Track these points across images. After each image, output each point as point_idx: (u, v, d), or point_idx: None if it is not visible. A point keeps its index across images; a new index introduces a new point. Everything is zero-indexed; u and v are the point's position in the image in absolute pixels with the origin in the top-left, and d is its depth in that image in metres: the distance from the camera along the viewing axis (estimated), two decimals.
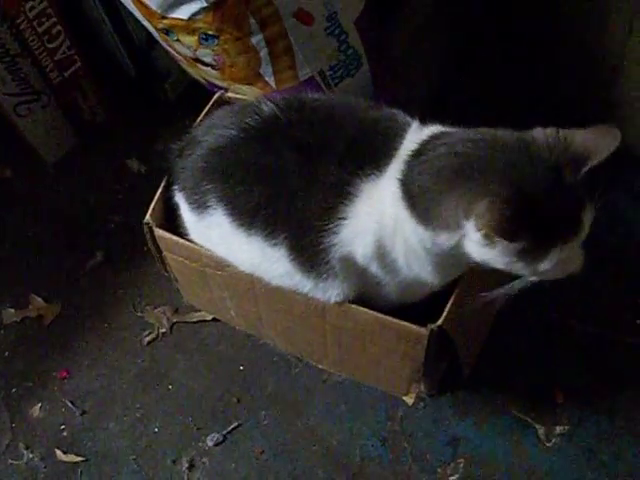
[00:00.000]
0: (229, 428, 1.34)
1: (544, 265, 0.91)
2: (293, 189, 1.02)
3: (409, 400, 1.21)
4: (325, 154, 1.01)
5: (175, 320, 1.46)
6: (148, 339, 1.45)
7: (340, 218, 1.00)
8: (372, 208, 0.99)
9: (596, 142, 0.88)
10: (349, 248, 1.02)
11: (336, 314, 1.10)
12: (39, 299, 1.52)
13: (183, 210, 1.16)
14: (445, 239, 0.93)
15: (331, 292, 1.08)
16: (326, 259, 1.03)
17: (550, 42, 1.44)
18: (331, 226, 1.00)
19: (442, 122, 1.01)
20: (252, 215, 1.05)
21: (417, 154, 0.96)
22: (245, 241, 1.08)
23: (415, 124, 1.02)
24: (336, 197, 0.99)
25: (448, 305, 1.04)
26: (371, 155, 1.00)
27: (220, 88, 1.29)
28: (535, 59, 1.47)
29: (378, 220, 0.99)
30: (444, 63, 1.56)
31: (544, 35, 1.43)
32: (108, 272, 1.54)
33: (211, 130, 1.10)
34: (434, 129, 1.00)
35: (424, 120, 1.02)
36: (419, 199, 0.93)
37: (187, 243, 1.15)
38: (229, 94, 1.26)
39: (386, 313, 1.07)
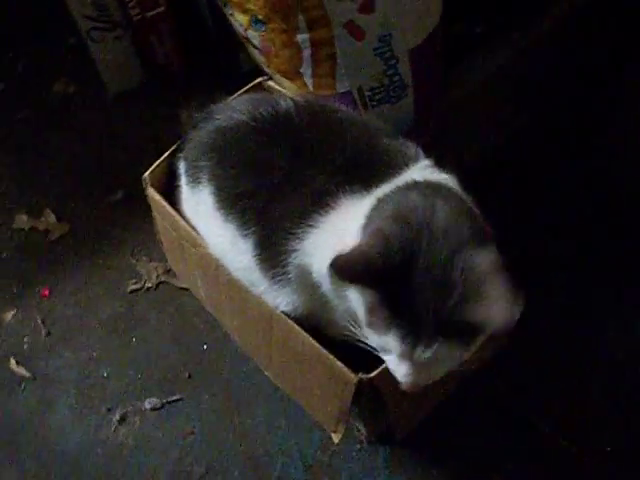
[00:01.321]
0: (170, 399, 1.34)
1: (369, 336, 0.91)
2: (277, 187, 1.01)
3: (335, 438, 1.17)
4: (320, 162, 1.00)
5: (163, 279, 1.47)
6: (132, 287, 1.47)
7: (310, 225, 0.98)
8: (341, 223, 0.97)
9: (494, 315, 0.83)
10: (308, 259, 1.00)
11: (281, 329, 1.08)
12: (52, 215, 1.56)
13: (181, 180, 1.17)
14: None
15: (281, 299, 1.07)
16: (284, 263, 1.02)
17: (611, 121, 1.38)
18: (299, 231, 0.99)
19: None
20: (233, 202, 1.05)
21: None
22: (221, 225, 1.08)
23: (423, 163, 1.00)
24: (313, 204, 0.98)
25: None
26: (365, 176, 0.98)
27: (266, 74, 1.28)
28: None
29: (341, 236, 0.96)
30: (494, 127, 1.50)
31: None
32: (122, 212, 1.57)
33: (226, 110, 1.11)
34: (428, 177, 0.97)
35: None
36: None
37: (171, 211, 1.15)
38: (270, 82, 1.25)
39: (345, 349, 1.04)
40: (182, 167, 1.16)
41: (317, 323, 1.09)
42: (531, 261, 1.29)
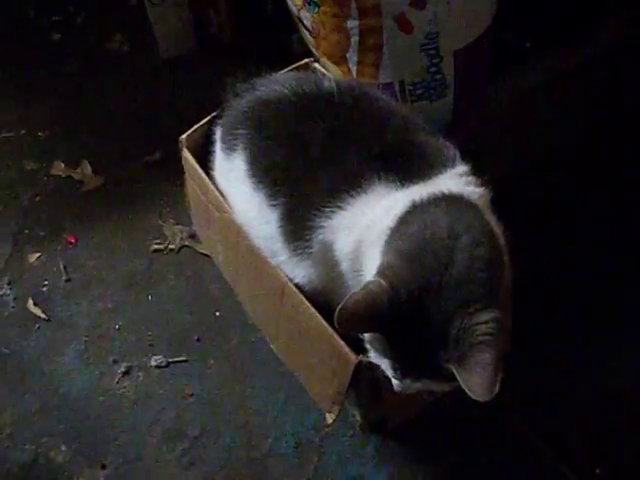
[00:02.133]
0: (176, 359, 1.37)
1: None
2: (310, 163, 1.03)
3: (329, 418, 1.19)
4: (357, 146, 1.02)
5: (186, 243, 1.50)
6: (155, 247, 1.50)
7: (339, 206, 1.00)
8: (370, 209, 0.98)
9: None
10: (332, 236, 1.02)
11: (291, 302, 1.10)
12: (89, 167, 1.61)
13: (216, 146, 1.19)
14: None
15: (299, 271, 1.09)
16: (308, 237, 1.04)
17: None
18: (326, 209, 1.01)
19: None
20: (265, 171, 1.08)
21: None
22: (250, 193, 1.10)
23: (460, 169, 1.01)
24: (346, 184, 1.00)
25: None
26: (401, 167, 0.99)
27: (314, 56, 1.30)
28: None
29: (369, 224, 0.98)
30: (529, 141, 1.50)
31: None
32: (156, 173, 1.61)
33: (270, 83, 1.14)
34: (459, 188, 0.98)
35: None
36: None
37: (201, 174, 1.18)
38: (316, 64, 1.27)
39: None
40: (219, 133, 1.18)
41: (330, 298, 1.09)
42: (536, 279, 1.29)
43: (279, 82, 1.13)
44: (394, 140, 1.03)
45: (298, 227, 1.05)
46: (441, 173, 1.00)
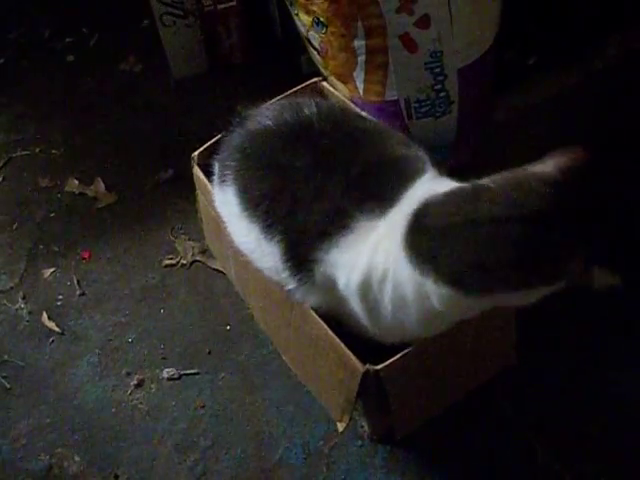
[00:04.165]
0: (188, 371, 1.39)
1: None
2: (299, 195, 1.05)
3: (340, 427, 1.21)
4: (337, 173, 1.04)
5: (198, 258, 1.53)
6: (168, 262, 1.53)
7: (334, 243, 1.02)
8: (365, 247, 1.00)
9: None
10: (333, 271, 1.04)
11: (300, 313, 1.12)
12: (102, 184, 1.64)
13: (214, 180, 1.23)
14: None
15: (308, 298, 1.11)
16: (311, 269, 1.06)
17: None
18: (322, 245, 1.03)
19: None
20: (256, 204, 1.09)
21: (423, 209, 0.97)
22: (245, 227, 1.13)
23: (430, 174, 1.03)
24: (334, 223, 1.02)
25: (398, 355, 1.04)
26: (376, 192, 1.02)
27: (322, 75, 1.34)
28: None
29: (369, 262, 1.00)
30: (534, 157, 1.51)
31: None
32: (169, 191, 1.64)
33: (256, 114, 1.17)
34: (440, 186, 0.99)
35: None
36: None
37: (211, 190, 1.21)
38: (324, 83, 1.31)
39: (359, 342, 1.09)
40: (215, 167, 1.22)
41: (339, 318, 1.12)
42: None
43: (264, 113, 1.15)
44: (369, 162, 1.05)
45: (300, 260, 1.06)
46: (411, 186, 1.02)
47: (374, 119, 1.19)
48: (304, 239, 1.04)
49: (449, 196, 0.95)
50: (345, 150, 1.05)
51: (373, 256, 0.99)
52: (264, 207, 1.08)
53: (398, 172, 1.03)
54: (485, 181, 0.94)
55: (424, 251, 0.94)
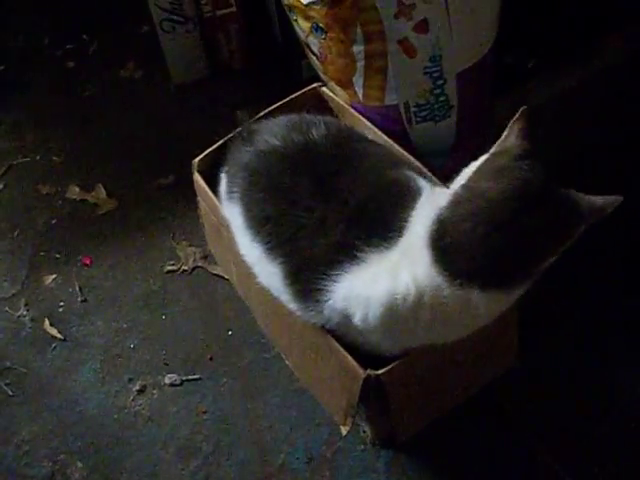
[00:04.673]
0: (190, 377, 1.39)
1: None
2: (302, 222, 1.05)
3: (344, 430, 1.21)
4: (337, 201, 1.04)
5: (199, 264, 1.53)
6: (169, 268, 1.53)
7: (343, 274, 1.01)
8: (380, 278, 0.99)
9: None
10: (346, 306, 1.03)
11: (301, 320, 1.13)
12: (103, 191, 1.65)
13: (221, 191, 1.24)
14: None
15: (314, 319, 1.10)
16: (317, 298, 1.05)
17: None
18: (332, 274, 1.02)
19: None
20: (260, 224, 1.10)
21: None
22: (249, 244, 1.13)
23: (425, 191, 1.04)
24: (341, 254, 1.01)
25: (399, 360, 1.05)
26: (379, 222, 1.02)
27: (321, 81, 1.34)
28: None
29: (389, 292, 0.98)
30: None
31: None
32: (170, 196, 1.64)
33: (264, 132, 1.17)
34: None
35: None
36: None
37: (212, 196, 1.22)
38: (324, 89, 1.31)
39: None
40: (224, 178, 1.22)
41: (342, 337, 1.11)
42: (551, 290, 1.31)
43: (272, 131, 1.15)
44: (365, 192, 1.05)
45: (305, 287, 1.06)
46: (413, 209, 1.02)
47: (376, 140, 1.20)
48: (308, 266, 1.04)
49: (454, 207, 0.97)
50: (344, 179, 1.06)
51: (394, 286, 0.98)
52: (268, 229, 1.08)
53: (394, 198, 1.04)
54: (472, 179, 0.99)
55: (462, 266, 0.94)
